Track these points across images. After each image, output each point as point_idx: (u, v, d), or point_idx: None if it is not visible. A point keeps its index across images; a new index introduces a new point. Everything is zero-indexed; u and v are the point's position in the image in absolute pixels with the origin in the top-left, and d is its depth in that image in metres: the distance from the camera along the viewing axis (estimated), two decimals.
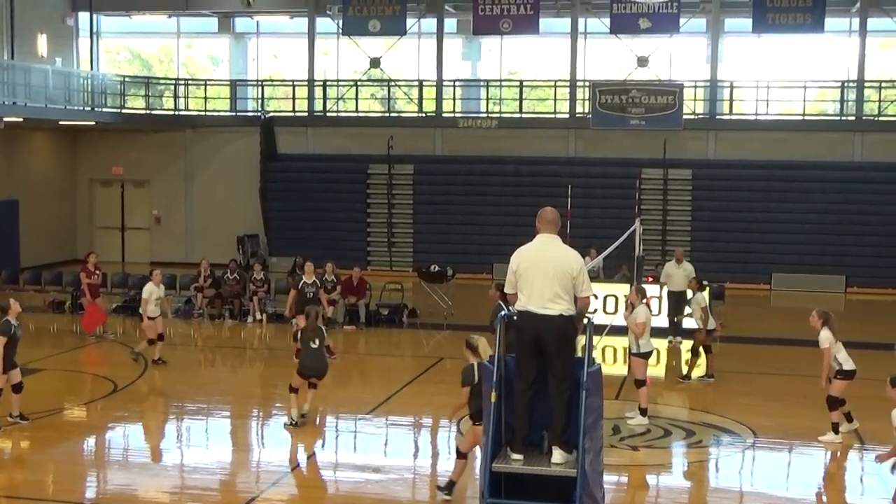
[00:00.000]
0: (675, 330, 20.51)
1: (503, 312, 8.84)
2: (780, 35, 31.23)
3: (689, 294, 18.55)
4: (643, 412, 14.58)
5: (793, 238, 29.66)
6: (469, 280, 27.12)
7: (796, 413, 15.08)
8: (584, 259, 9.11)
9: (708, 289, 21.27)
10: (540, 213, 8.76)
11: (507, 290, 8.76)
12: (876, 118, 30.82)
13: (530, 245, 8.71)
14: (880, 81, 31.49)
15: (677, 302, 20.31)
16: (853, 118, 30.84)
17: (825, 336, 13.30)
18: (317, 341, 13.88)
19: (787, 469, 13.20)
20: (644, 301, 15.05)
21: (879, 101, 31.14)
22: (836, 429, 13.69)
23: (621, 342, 19.58)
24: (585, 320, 8.62)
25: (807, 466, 13.44)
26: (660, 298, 20.78)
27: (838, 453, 13.61)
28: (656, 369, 18.97)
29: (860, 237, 29.33)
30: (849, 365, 13.51)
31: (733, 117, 31.93)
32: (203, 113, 34.35)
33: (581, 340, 8.89)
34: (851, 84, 30.92)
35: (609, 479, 10.92)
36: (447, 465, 11.93)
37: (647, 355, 14.80)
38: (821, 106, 33.40)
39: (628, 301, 15.16)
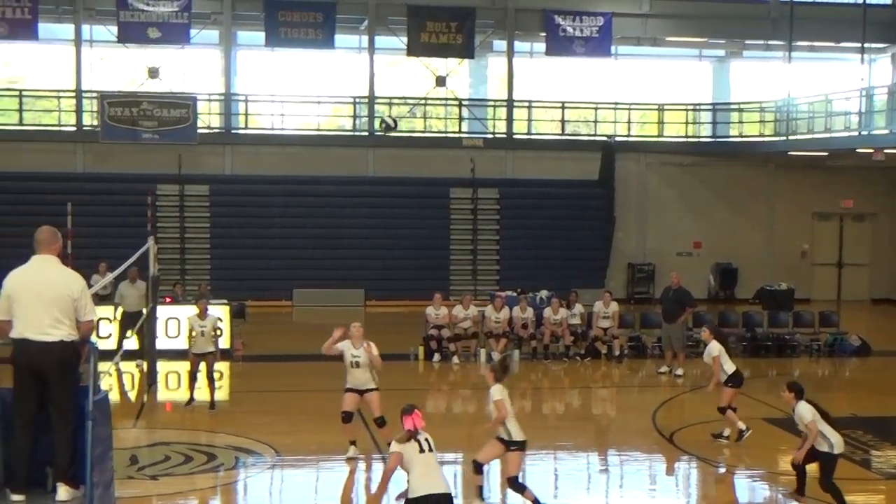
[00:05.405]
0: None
1: None
2: (293, 49, 31.17)
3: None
4: None
5: (312, 253, 29.64)
6: None
7: (314, 429, 14.68)
8: (95, 276, 8.13)
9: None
10: (35, 233, 7.98)
11: None
12: (386, 134, 31.50)
13: (24, 267, 7.93)
14: (390, 98, 32.36)
15: (133, 321, 19.44)
16: (366, 133, 31.42)
17: None
18: None
19: (314, 484, 12.95)
20: None
21: (390, 117, 31.87)
22: None
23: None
24: (89, 345, 7.96)
25: (332, 481, 13.15)
26: (114, 320, 19.79)
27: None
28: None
29: (376, 251, 29.89)
30: None
31: (249, 131, 31.40)
32: None
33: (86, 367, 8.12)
34: (363, 100, 31.49)
35: None
36: None
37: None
38: (337, 121, 33.79)
39: None
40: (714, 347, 14.59)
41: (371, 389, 13.23)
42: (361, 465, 13.42)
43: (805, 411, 11.64)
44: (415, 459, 9.19)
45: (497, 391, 11.11)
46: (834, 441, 11.53)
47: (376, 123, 19.19)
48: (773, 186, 32.66)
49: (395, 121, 19.11)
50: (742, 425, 14.43)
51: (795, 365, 21.43)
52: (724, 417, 14.60)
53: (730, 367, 14.60)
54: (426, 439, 9.31)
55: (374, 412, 13.19)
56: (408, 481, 9.27)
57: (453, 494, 9.45)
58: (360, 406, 13.45)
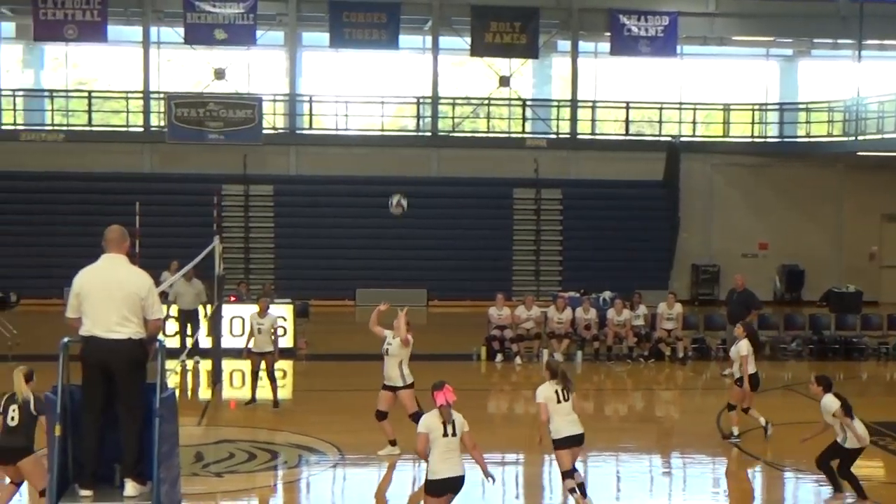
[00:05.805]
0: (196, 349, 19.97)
1: (65, 339, 7.89)
2: (357, 50, 31.32)
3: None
4: None
5: (375, 253, 29.70)
6: (38, 307, 25.32)
7: (377, 428, 14.68)
8: (165, 274, 8.27)
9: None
10: (105, 232, 8.13)
11: (69, 314, 8.01)
12: (450, 134, 31.64)
13: (93, 266, 8.07)
14: (454, 98, 32.40)
15: (189, 320, 19.86)
16: (430, 134, 31.47)
17: None
18: None
19: (376, 483, 12.99)
20: None
21: (453, 117, 32.01)
22: None
23: (204, 365, 19.24)
24: (157, 343, 8.08)
25: (394, 480, 13.20)
26: (171, 318, 19.84)
27: None
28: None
29: (439, 251, 29.92)
30: None
31: (314, 132, 31.61)
32: None
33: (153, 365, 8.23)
34: (427, 100, 31.55)
35: None
36: None
37: None
38: (400, 122, 33.90)
39: None
40: (743, 346, 14.61)
41: (400, 388, 13.22)
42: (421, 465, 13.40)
43: (831, 402, 11.86)
44: (437, 441, 9.39)
45: (539, 393, 11.17)
46: (847, 435, 11.76)
47: (392, 205, 19.55)
48: (841, 187, 32.15)
49: (407, 203, 19.30)
50: (735, 430, 14.67)
51: (863, 368, 21.09)
52: (747, 415, 14.78)
53: (752, 368, 14.66)
54: (453, 422, 9.41)
55: (407, 410, 13.12)
56: (428, 462, 9.48)
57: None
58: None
